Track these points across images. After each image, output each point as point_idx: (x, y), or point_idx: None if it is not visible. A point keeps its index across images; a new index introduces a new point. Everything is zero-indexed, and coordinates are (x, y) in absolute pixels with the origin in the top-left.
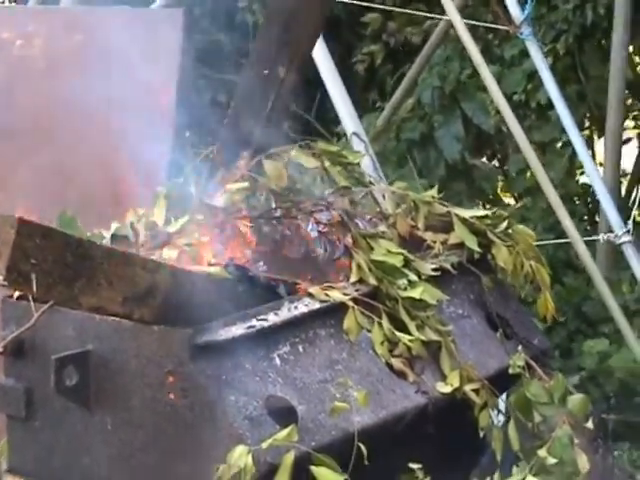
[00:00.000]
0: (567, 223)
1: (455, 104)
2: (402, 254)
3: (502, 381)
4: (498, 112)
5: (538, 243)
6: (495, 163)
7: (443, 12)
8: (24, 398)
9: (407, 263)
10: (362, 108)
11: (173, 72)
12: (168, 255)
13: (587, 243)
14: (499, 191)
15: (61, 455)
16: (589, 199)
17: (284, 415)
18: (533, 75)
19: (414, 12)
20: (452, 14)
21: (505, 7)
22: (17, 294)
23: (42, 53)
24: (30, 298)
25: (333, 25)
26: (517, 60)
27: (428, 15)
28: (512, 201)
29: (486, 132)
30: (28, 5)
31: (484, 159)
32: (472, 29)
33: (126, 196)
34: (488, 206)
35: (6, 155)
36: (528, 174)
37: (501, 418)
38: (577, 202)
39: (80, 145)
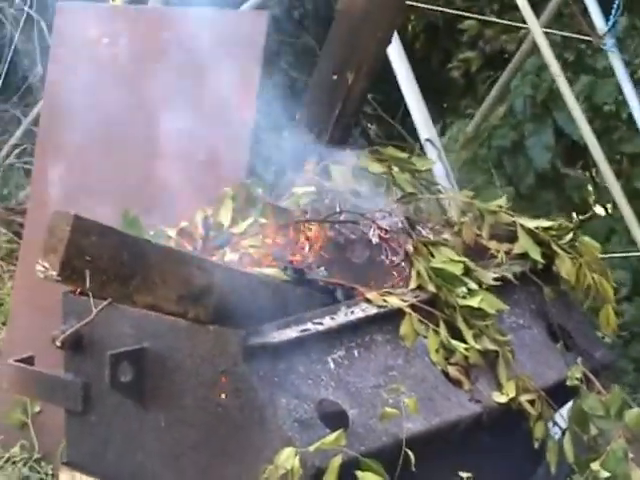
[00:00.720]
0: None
1: (547, 113)
2: (463, 262)
3: (561, 393)
4: (590, 123)
5: (612, 255)
6: (588, 173)
7: None
8: (82, 393)
9: (468, 271)
10: (457, 115)
11: (255, 75)
12: (230, 256)
13: None
14: (591, 201)
15: (115, 450)
16: None
17: (335, 419)
18: None
19: (504, 21)
20: (531, 23)
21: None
22: (79, 289)
23: (128, 52)
24: (90, 294)
25: (431, 32)
26: (609, 71)
27: (517, 25)
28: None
29: (577, 142)
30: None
31: (578, 169)
32: (565, 39)
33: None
34: (580, 216)
35: (91, 157)
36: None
37: (557, 430)
38: None
39: (160, 148)
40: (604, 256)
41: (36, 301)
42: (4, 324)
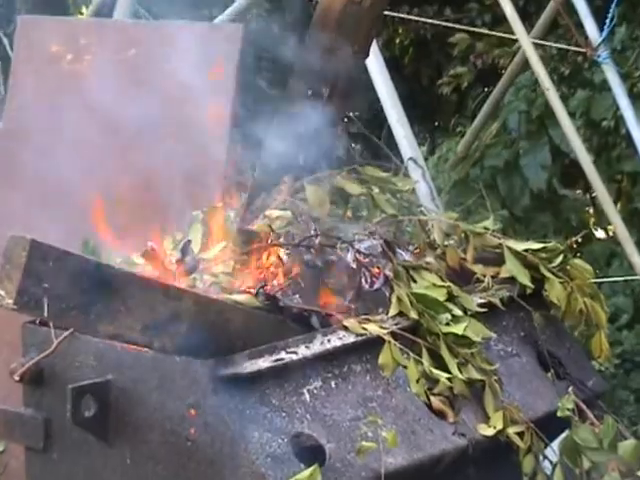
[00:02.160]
0: (636, 260)
1: (542, 130)
2: (447, 287)
3: (552, 424)
4: (588, 140)
5: (613, 280)
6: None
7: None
8: (42, 429)
9: (452, 297)
10: (447, 133)
11: (229, 90)
12: (199, 282)
13: None
14: (591, 224)
15: None
16: None
17: (311, 454)
18: None
19: (496, 33)
20: (519, 33)
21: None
22: (39, 319)
23: (92, 68)
24: (51, 324)
25: (421, 46)
26: (607, 84)
27: (509, 37)
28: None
29: (575, 160)
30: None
31: (577, 190)
32: (560, 52)
33: (173, 220)
34: (579, 239)
35: (54, 174)
36: (619, 206)
37: (548, 464)
38: None
39: (128, 166)
40: (603, 281)
41: None
42: None
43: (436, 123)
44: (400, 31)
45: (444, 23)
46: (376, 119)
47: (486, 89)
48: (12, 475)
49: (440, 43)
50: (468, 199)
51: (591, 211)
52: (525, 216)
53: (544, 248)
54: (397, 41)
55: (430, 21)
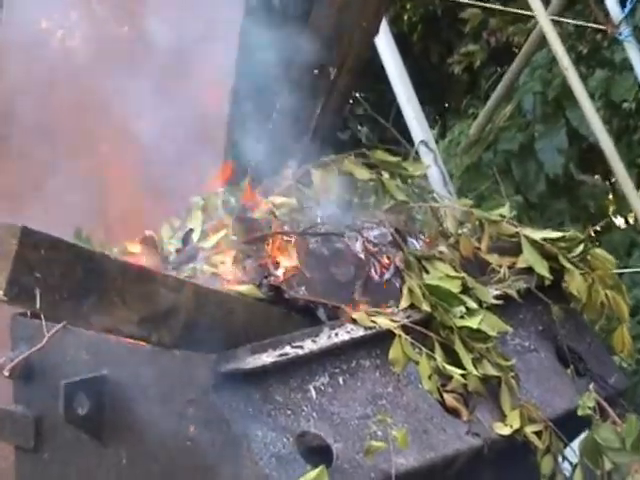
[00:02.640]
0: None
1: (559, 112)
2: (461, 278)
3: (572, 423)
4: (608, 123)
5: (633, 270)
6: (607, 180)
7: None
8: (33, 427)
9: (466, 289)
10: (458, 115)
11: (230, 65)
12: (198, 272)
13: None
14: (610, 212)
15: None
16: None
17: (317, 454)
18: None
19: (511, 9)
20: (536, 9)
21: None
22: (30, 311)
23: (85, 45)
24: (42, 317)
25: (430, 22)
26: (629, 64)
27: (525, 13)
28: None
29: (594, 145)
30: None
31: (596, 175)
32: (578, 29)
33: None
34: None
35: (42, 158)
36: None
37: (567, 465)
38: None
39: (122, 150)
40: (624, 271)
41: None
42: None
43: (446, 104)
44: (408, 7)
45: None
46: (382, 100)
47: (499, 69)
48: (0, 476)
49: (451, 19)
50: (481, 185)
51: (610, 198)
52: (540, 203)
53: (563, 237)
54: (405, 17)
55: None
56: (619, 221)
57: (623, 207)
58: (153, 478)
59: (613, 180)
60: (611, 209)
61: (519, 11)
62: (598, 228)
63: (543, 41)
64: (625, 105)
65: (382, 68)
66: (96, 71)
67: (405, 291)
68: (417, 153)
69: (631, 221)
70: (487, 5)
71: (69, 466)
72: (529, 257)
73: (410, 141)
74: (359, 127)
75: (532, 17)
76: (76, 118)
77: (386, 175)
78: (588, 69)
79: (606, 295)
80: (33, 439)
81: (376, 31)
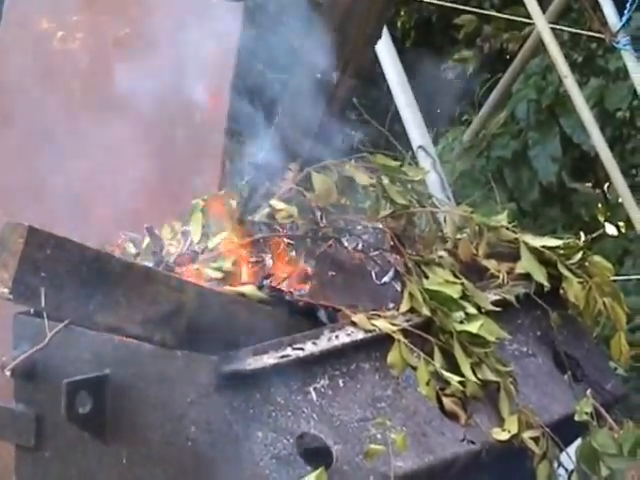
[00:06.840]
0: None
1: (553, 120)
2: (461, 284)
3: (569, 429)
4: (601, 130)
5: (626, 278)
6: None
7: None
8: (34, 426)
9: (466, 294)
10: (452, 122)
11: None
12: (200, 274)
13: None
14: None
15: None
16: None
17: (317, 455)
18: None
19: (506, 16)
20: (536, 17)
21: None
22: (33, 310)
23: (85, 47)
24: (44, 315)
25: (424, 28)
26: (623, 73)
27: (520, 20)
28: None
29: (587, 153)
30: None
31: (588, 183)
32: (573, 37)
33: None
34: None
35: (41, 160)
36: None
37: (564, 471)
38: None
39: (121, 152)
40: (616, 279)
41: None
42: None
43: (438, 111)
44: (402, 12)
45: (449, 4)
46: (378, 105)
47: (492, 75)
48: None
49: (444, 25)
50: (474, 192)
51: (602, 206)
52: (533, 210)
53: (561, 244)
54: (398, 23)
55: (435, 1)
56: (611, 229)
57: (615, 215)
58: (154, 478)
59: (605, 188)
60: (603, 217)
61: (516, 18)
62: (594, 235)
63: (538, 48)
64: (619, 114)
65: (378, 73)
66: (96, 71)
67: (406, 295)
68: (413, 158)
69: (623, 230)
70: (482, 11)
71: (70, 465)
72: (527, 263)
73: (405, 146)
74: (352, 132)
75: (527, 24)
76: (76, 118)
77: (386, 180)
78: (582, 77)
79: (604, 302)
80: (34, 438)
81: (378, 36)
